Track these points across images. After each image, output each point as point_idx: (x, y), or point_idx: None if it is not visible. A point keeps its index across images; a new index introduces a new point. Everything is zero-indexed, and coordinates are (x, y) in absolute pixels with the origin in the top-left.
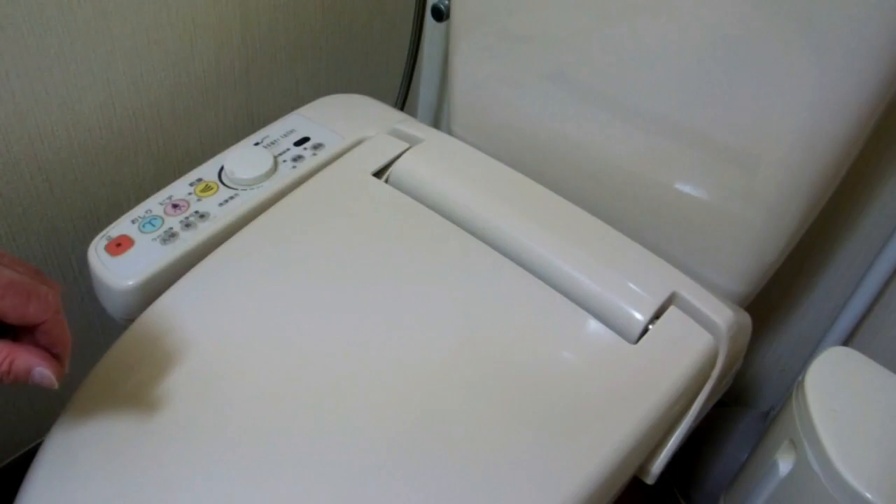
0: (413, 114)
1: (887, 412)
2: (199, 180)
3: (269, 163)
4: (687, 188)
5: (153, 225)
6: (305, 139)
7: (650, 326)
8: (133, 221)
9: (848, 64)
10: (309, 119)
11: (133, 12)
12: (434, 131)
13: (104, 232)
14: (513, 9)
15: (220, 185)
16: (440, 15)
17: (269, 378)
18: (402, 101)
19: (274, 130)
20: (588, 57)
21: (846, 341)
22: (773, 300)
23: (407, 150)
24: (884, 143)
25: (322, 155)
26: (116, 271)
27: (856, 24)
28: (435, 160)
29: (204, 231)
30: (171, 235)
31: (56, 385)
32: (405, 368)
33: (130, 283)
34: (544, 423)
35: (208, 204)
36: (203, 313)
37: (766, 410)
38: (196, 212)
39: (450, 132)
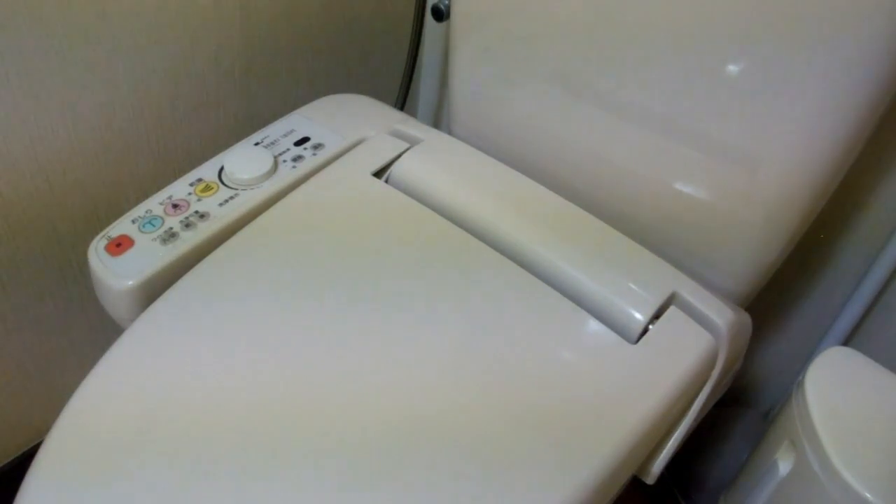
0: (413, 114)
1: (887, 412)
2: (199, 180)
3: (269, 163)
4: (687, 188)
5: (153, 225)
6: (305, 139)
7: (650, 326)
8: (133, 221)
9: (848, 64)
10: (309, 119)
11: (133, 12)
12: (434, 131)
13: (104, 232)
14: (513, 9)
15: (220, 185)
16: (440, 15)
17: (271, 377)
18: (402, 101)
19: (274, 130)
20: (588, 57)
21: (846, 341)
22: (773, 300)
23: (407, 150)
24: (884, 143)
25: (322, 155)
26: (116, 271)
27: (856, 25)
28: (435, 160)
29: (204, 231)
30: (171, 235)
31: None
32: (405, 368)
33: (130, 283)
34: (544, 422)
35: (208, 204)
36: (203, 313)
37: (766, 410)
38: (196, 212)
39: (450, 132)
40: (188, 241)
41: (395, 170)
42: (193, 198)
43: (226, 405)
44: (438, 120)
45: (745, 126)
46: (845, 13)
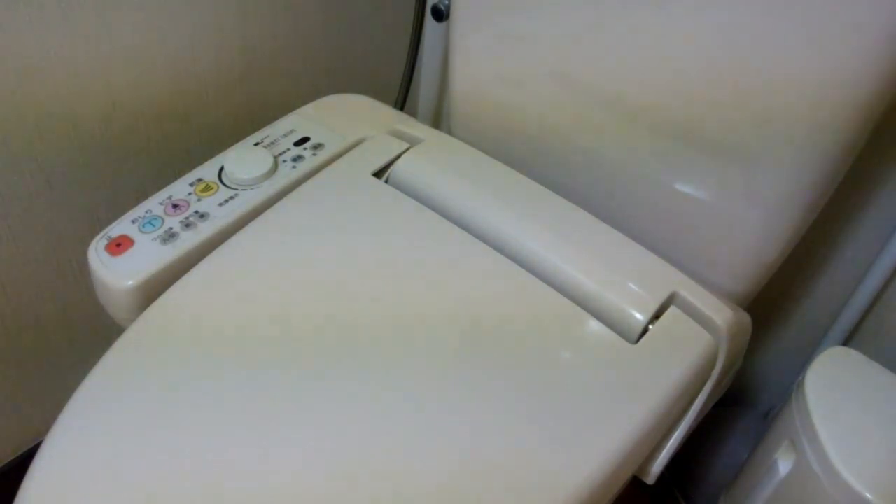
0: (413, 114)
1: (887, 412)
2: (199, 180)
3: (269, 163)
4: (687, 188)
5: (153, 225)
6: (305, 139)
7: (650, 326)
8: (133, 221)
9: (848, 63)
10: (309, 119)
11: (133, 12)
12: (434, 131)
13: (104, 232)
14: (513, 9)
15: (220, 185)
16: (440, 15)
17: (269, 379)
18: (402, 101)
19: (274, 130)
20: (588, 56)
21: (846, 341)
22: (773, 300)
23: (407, 150)
24: (884, 143)
25: (322, 155)
26: (116, 271)
27: (856, 24)
28: (435, 160)
29: (204, 231)
30: (171, 235)
31: None
32: (404, 367)
33: (130, 283)
34: (544, 423)
35: (208, 204)
36: (203, 313)
37: (766, 410)
38: (196, 212)
39: (450, 132)
40: (188, 241)
41: (395, 170)
42: (193, 198)
43: (225, 406)
44: (438, 120)
45: (745, 125)
46: (845, 12)
